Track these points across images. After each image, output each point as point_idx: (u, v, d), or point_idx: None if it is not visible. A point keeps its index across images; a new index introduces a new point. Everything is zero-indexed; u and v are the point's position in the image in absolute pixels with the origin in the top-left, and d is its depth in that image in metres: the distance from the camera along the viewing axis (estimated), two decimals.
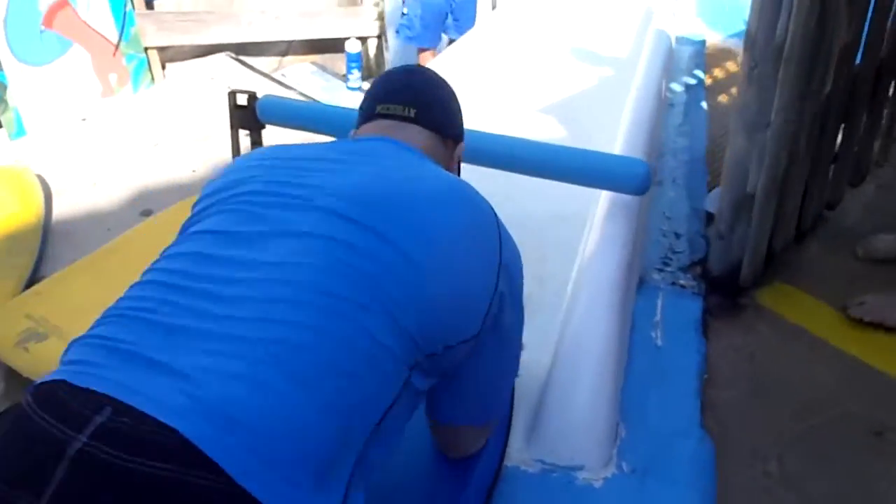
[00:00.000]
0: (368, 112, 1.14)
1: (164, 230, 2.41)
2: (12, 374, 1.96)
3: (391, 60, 3.67)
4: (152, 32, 3.31)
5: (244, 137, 2.13)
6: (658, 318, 1.91)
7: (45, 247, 2.42)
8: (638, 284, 1.98)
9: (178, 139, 2.98)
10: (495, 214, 1.04)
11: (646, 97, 2.61)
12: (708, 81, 3.47)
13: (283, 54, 3.67)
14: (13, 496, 0.70)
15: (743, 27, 3.91)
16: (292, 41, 3.73)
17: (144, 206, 2.62)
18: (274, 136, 2.14)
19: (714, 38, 3.91)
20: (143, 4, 3.29)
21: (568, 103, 2.97)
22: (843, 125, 2.12)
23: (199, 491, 0.69)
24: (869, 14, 2.00)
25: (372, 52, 3.66)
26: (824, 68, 1.82)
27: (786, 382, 1.80)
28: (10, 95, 2.88)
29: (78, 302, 2.13)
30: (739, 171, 1.87)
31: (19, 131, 2.94)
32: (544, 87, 3.08)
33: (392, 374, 0.87)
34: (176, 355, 0.77)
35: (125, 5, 3.18)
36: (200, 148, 2.92)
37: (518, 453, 1.42)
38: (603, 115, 2.70)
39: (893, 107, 2.37)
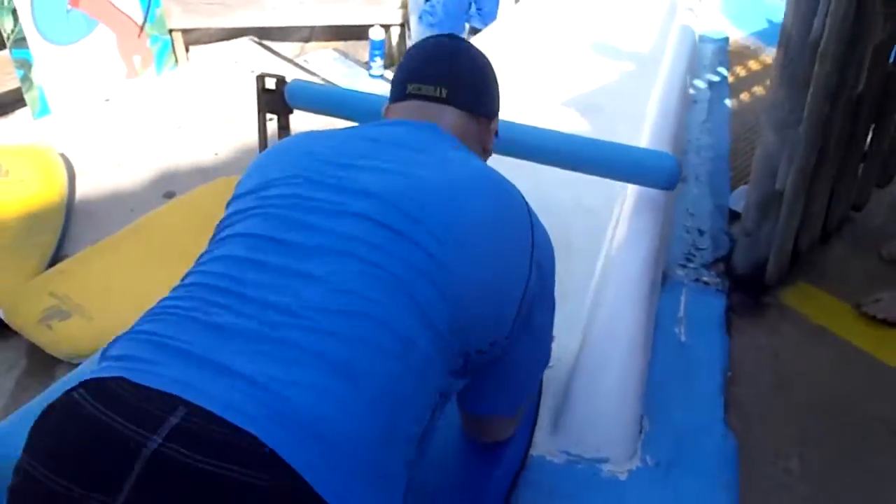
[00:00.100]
0: (400, 91, 1.10)
1: (186, 213, 2.47)
2: (34, 351, 1.98)
3: None
4: (177, 14, 3.32)
5: (271, 122, 2.14)
6: (681, 314, 1.91)
7: (69, 226, 2.44)
8: (662, 280, 1.98)
9: (201, 122, 2.99)
10: (528, 209, 1.01)
11: (671, 92, 2.60)
12: (730, 79, 3.45)
13: (306, 40, 3.67)
14: (85, 496, 0.70)
15: (766, 25, 3.94)
16: (315, 27, 3.73)
17: (167, 187, 2.63)
18: (301, 121, 2.15)
19: (736, 36, 3.88)
20: None
21: (591, 97, 2.96)
22: (873, 125, 2.10)
23: (278, 497, 0.69)
24: None
25: (395, 40, 3.65)
26: (858, 67, 1.80)
27: (808, 382, 1.80)
28: (35, 74, 2.88)
29: (101, 281, 2.15)
30: (768, 168, 1.86)
31: (43, 110, 2.95)
32: (567, 81, 3.06)
33: (434, 383, 0.87)
34: (235, 358, 0.76)
35: None
36: (224, 131, 2.93)
37: (544, 443, 1.42)
38: (626, 110, 2.69)
39: None
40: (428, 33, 3.60)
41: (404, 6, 3.66)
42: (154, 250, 2.28)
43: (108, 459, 0.71)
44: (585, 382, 1.47)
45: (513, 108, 1.84)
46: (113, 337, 1.47)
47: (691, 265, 2.11)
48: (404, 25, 3.66)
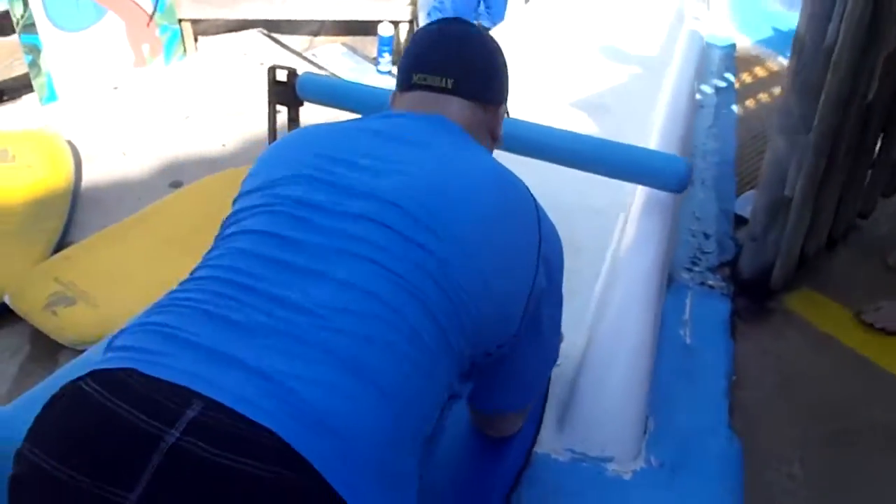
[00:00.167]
0: (406, 80, 1.08)
1: (193, 203, 2.46)
2: (38, 337, 1.97)
3: None
4: (187, 4, 3.31)
5: (280, 114, 2.14)
6: (687, 316, 1.91)
7: (75, 212, 2.44)
8: (667, 282, 1.98)
9: (209, 113, 2.99)
10: (535, 203, 1.00)
11: (680, 96, 2.60)
12: (736, 86, 3.45)
13: (315, 34, 3.67)
14: (100, 489, 0.69)
15: (771, 33, 3.95)
16: (324, 21, 3.73)
17: (174, 177, 2.63)
18: (311, 114, 2.15)
19: (743, 43, 3.89)
20: None
21: (598, 99, 2.96)
22: (882, 134, 2.11)
23: (296, 494, 0.69)
24: None
25: (403, 36, 3.65)
26: (869, 75, 1.81)
27: (812, 388, 1.81)
28: (44, 60, 2.88)
29: (106, 269, 2.15)
30: (777, 173, 1.87)
31: (51, 96, 2.95)
32: (575, 82, 3.06)
33: (442, 383, 0.87)
34: (246, 352, 0.75)
35: None
36: (232, 123, 2.92)
37: (549, 441, 1.42)
38: (633, 112, 2.69)
39: None
40: None
41: (413, 3, 3.66)
42: (160, 240, 2.28)
43: (122, 451, 0.70)
44: (592, 381, 1.47)
45: (520, 108, 1.85)
46: (118, 325, 1.47)
47: (697, 269, 2.12)
48: (413, 22, 3.65)
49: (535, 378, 1.16)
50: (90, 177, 2.61)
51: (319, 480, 0.69)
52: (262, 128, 2.81)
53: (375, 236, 0.85)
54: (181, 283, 0.88)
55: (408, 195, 0.88)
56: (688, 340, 1.83)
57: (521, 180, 1.01)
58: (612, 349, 1.51)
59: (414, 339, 0.81)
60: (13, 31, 2.87)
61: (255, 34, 3.60)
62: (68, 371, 1.41)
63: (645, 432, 1.49)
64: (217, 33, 3.54)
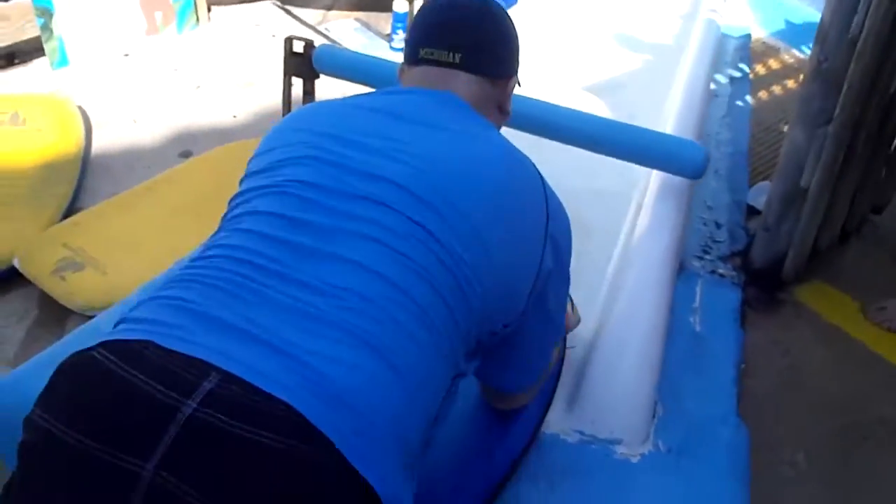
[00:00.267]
0: (412, 54, 1.06)
1: (203, 173, 2.45)
2: (46, 301, 1.97)
3: None
4: None
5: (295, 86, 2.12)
6: (697, 304, 1.91)
7: (84, 178, 2.42)
8: (678, 269, 1.98)
9: (220, 83, 2.97)
10: (542, 181, 1.00)
11: (696, 84, 2.60)
12: (750, 77, 3.43)
13: (329, 8, 3.63)
14: (116, 458, 0.69)
15: (787, 25, 3.91)
16: None
17: (184, 147, 2.61)
18: (326, 87, 2.13)
19: (758, 34, 3.86)
20: None
21: (612, 85, 2.95)
22: None
23: (312, 467, 0.69)
24: None
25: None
26: (893, 68, 1.79)
27: (820, 380, 1.81)
28: (56, 23, 2.85)
29: (116, 236, 2.14)
30: (794, 164, 1.86)
31: (62, 61, 2.92)
32: (589, 68, 3.05)
33: (451, 363, 0.88)
34: (262, 327, 0.76)
35: None
36: (243, 94, 2.90)
37: (558, 422, 1.43)
38: (647, 99, 2.68)
39: None
40: None
41: None
42: (169, 209, 2.27)
43: (139, 421, 0.70)
44: (603, 364, 1.47)
45: (533, 93, 1.84)
46: (126, 292, 1.48)
47: (708, 257, 2.11)
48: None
49: (539, 356, 1.16)
50: (100, 143, 2.60)
51: (335, 453, 0.70)
52: (274, 100, 2.81)
53: (382, 217, 0.85)
54: (192, 261, 0.88)
55: (413, 176, 0.88)
56: (697, 328, 1.83)
57: (528, 158, 1.00)
58: (624, 333, 1.51)
59: (422, 319, 0.81)
60: None
61: (268, 5, 3.57)
62: (76, 338, 1.41)
63: (654, 417, 1.50)
64: (230, 3, 3.50)
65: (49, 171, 2.37)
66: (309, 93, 2.07)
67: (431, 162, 0.90)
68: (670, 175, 1.77)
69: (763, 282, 2.01)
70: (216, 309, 0.78)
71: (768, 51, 3.71)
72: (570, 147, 1.77)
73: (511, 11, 3.24)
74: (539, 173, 1.00)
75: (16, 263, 2.01)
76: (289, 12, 3.51)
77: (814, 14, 4.07)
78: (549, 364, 1.20)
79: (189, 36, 3.26)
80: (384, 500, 0.72)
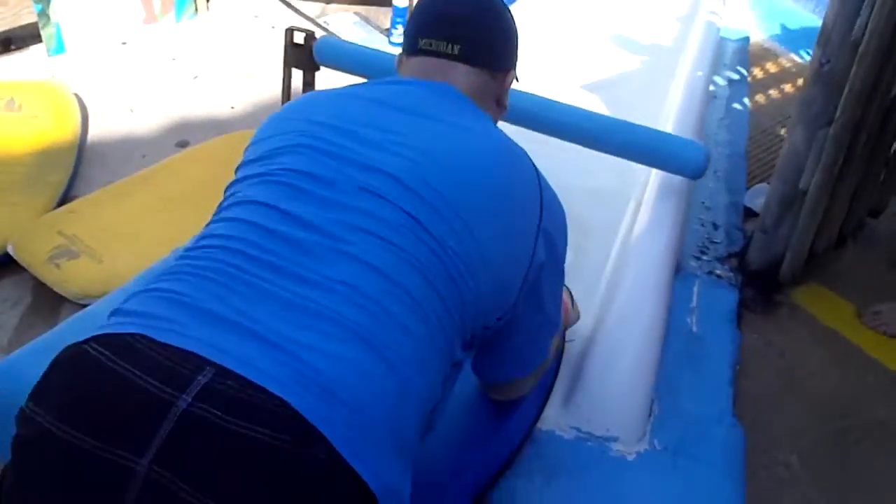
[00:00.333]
0: (411, 44, 1.06)
1: (199, 164, 2.44)
2: (40, 289, 1.96)
3: None
4: None
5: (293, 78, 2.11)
6: (694, 304, 1.91)
7: (80, 167, 2.41)
8: (675, 269, 1.98)
9: (218, 74, 2.95)
10: (537, 174, 0.99)
11: (695, 86, 2.60)
12: (748, 79, 3.44)
13: (328, 1, 3.62)
14: (110, 453, 0.68)
15: (786, 28, 3.92)
16: None
17: (180, 137, 2.60)
18: (326, 79, 2.12)
19: (756, 37, 3.87)
20: None
21: (610, 85, 2.95)
22: None
23: (306, 462, 0.69)
24: None
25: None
26: (894, 69, 1.80)
27: (815, 383, 1.81)
28: (53, 10, 2.83)
29: (111, 225, 2.12)
30: (793, 166, 1.86)
31: (58, 48, 2.90)
32: (588, 68, 3.05)
33: (446, 355, 0.88)
34: (256, 321, 0.75)
35: None
36: (241, 85, 2.89)
37: (554, 418, 1.43)
38: (646, 99, 2.68)
39: None
40: None
41: None
42: (165, 199, 2.26)
43: (133, 416, 0.69)
44: (600, 362, 1.47)
45: (530, 90, 1.83)
46: (121, 280, 1.47)
47: (705, 258, 2.11)
48: None
49: (534, 349, 1.16)
50: (96, 132, 2.58)
51: (328, 448, 0.70)
52: (272, 91, 2.80)
53: (376, 209, 0.85)
54: (186, 251, 0.87)
55: (409, 168, 0.88)
56: (694, 328, 1.83)
57: (524, 151, 1.00)
58: (622, 331, 1.51)
59: (416, 312, 0.81)
60: None
61: None
62: (71, 325, 1.40)
63: (650, 415, 1.50)
64: None
65: (44, 158, 2.35)
66: (309, 84, 2.05)
67: (427, 154, 0.90)
68: (670, 174, 1.77)
69: (760, 283, 2.01)
70: (208, 301, 0.77)
71: (766, 54, 3.72)
72: (568, 145, 1.77)
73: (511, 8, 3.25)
74: (534, 166, 1.00)
75: (10, 250, 2.00)
76: (288, 4, 3.50)
77: (811, 18, 4.10)
78: (545, 357, 1.19)
79: (187, 25, 3.25)
80: (377, 493, 0.72)
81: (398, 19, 3.33)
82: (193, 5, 3.26)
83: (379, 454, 0.74)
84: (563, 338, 1.46)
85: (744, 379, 1.76)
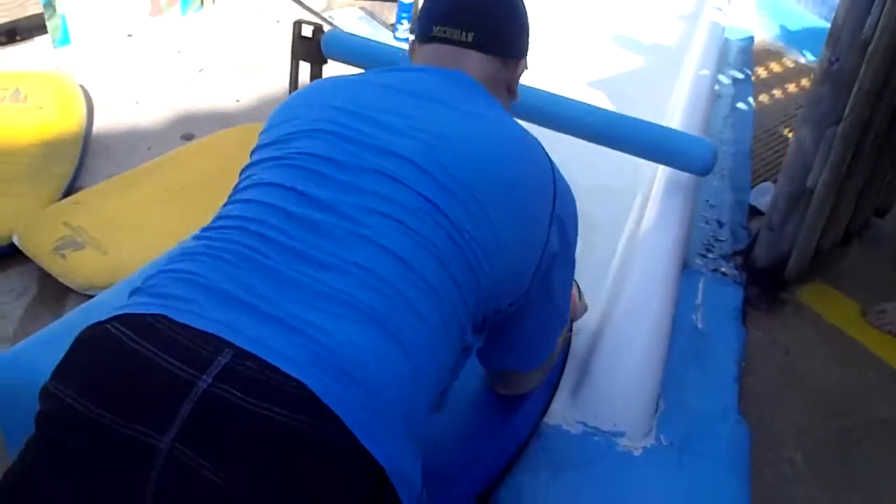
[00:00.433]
0: (425, 31, 1.06)
1: (205, 157, 2.44)
2: (46, 279, 1.95)
3: None
4: None
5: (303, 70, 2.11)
6: (699, 301, 1.92)
7: (85, 158, 2.40)
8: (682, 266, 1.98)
9: (223, 67, 2.95)
10: (550, 163, 1.00)
11: (701, 85, 2.60)
12: (752, 79, 3.44)
13: None
14: (132, 430, 0.69)
15: (790, 28, 3.91)
16: None
17: (186, 129, 2.59)
18: (334, 73, 2.12)
19: (761, 37, 3.87)
20: None
21: (616, 83, 2.95)
22: None
23: (323, 443, 0.70)
24: None
25: (421, 3, 3.61)
26: None
27: (820, 381, 1.82)
28: (59, 1, 2.82)
29: (116, 217, 2.12)
30: (801, 164, 1.86)
31: (64, 39, 2.89)
32: (593, 67, 3.06)
33: (457, 339, 0.88)
34: (276, 305, 0.76)
35: None
36: (246, 78, 2.89)
37: (561, 412, 1.43)
38: (651, 97, 2.68)
39: None
40: None
41: None
42: (171, 191, 2.25)
43: (155, 395, 0.70)
44: (608, 357, 1.47)
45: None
46: (126, 272, 1.47)
47: (710, 255, 2.12)
48: None
49: (543, 339, 1.17)
50: (101, 123, 2.58)
51: (344, 429, 0.71)
52: (277, 85, 2.80)
53: (393, 193, 0.85)
54: (203, 231, 0.88)
55: (425, 153, 0.88)
56: (699, 325, 1.83)
57: (536, 139, 1.01)
58: (630, 327, 1.51)
59: (432, 298, 0.82)
60: None
61: None
62: (76, 317, 1.40)
63: (656, 411, 1.50)
64: None
65: (50, 149, 2.34)
66: (316, 77, 2.05)
67: (443, 140, 0.90)
68: (677, 171, 1.77)
69: (765, 281, 2.01)
70: (224, 283, 0.78)
71: (770, 54, 3.72)
72: (574, 142, 1.77)
73: None
74: (547, 155, 1.01)
75: (15, 240, 2.00)
76: None
77: (815, 19, 4.10)
78: (552, 349, 1.20)
79: (193, 18, 3.24)
80: (391, 475, 0.73)
81: (403, 14, 3.33)
82: None
83: (392, 437, 0.74)
84: (570, 329, 1.46)
85: (748, 376, 1.76)
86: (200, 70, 2.91)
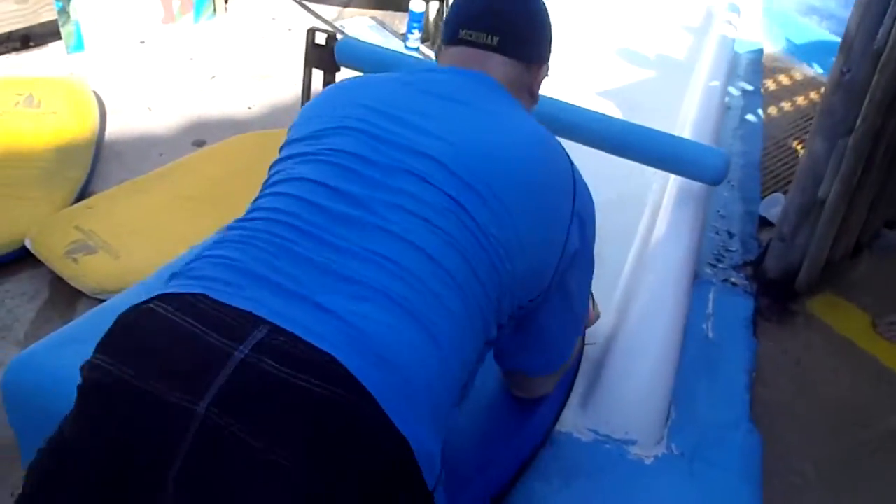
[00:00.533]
0: (452, 34, 1.09)
1: (216, 163, 2.45)
2: (57, 283, 1.96)
3: None
4: None
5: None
6: (710, 311, 1.91)
7: (97, 163, 2.42)
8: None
9: (235, 74, 2.97)
10: (571, 164, 1.02)
11: (711, 96, 2.60)
12: (761, 91, 3.44)
13: (345, 5, 3.64)
14: (172, 396, 0.72)
15: (798, 41, 3.91)
16: None
17: (198, 136, 2.61)
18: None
19: (769, 50, 3.88)
20: None
21: (625, 94, 2.96)
22: None
23: (354, 413, 0.73)
24: None
25: (432, 15, 3.63)
26: None
27: (830, 392, 1.81)
28: (73, 8, 2.85)
29: (128, 222, 2.14)
30: (812, 174, 1.86)
31: (77, 45, 2.92)
32: (601, 78, 3.06)
33: (481, 331, 0.90)
34: (311, 290, 0.79)
35: None
36: (258, 85, 2.91)
37: (572, 420, 1.42)
38: (662, 109, 2.68)
39: None
40: None
41: None
42: (182, 197, 2.27)
43: (195, 364, 0.73)
44: (620, 365, 1.47)
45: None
46: (138, 277, 1.48)
47: (721, 265, 2.12)
48: (443, 1, 3.63)
49: (561, 341, 1.18)
50: (113, 129, 2.60)
51: (375, 405, 0.73)
52: (289, 92, 2.82)
53: (420, 191, 0.88)
54: (237, 222, 0.91)
55: (452, 153, 0.91)
56: (710, 335, 1.83)
57: (556, 139, 1.03)
58: (642, 335, 1.50)
59: (457, 292, 0.84)
60: None
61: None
62: (88, 320, 1.40)
63: (667, 420, 1.49)
64: None
65: (63, 154, 2.36)
66: (329, 85, 2.06)
67: (468, 140, 0.93)
68: (688, 181, 1.77)
69: (776, 292, 2.01)
70: (260, 267, 0.81)
71: (779, 67, 3.72)
72: (585, 151, 1.77)
73: None
74: (567, 155, 1.03)
75: (27, 244, 2.01)
76: (305, 7, 3.52)
77: (823, 33, 4.10)
78: (569, 354, 1.21)
79: (205, 26, 3.27)
80: (417, 455, 0.75)
81: (414, 24, 3.35)
82: (212, 6, 3.28)
83: (418, 419, 0.76)
84: (583, 339, 1.46)
85: (759, 386, 1.76)
86: (213, 77, 2.93)
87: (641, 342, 1.49)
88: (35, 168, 2.29)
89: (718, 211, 2.38)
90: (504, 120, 0.99)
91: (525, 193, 0.92)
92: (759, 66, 3.66)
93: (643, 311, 1.54)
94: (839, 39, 1.78)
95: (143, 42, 3.08)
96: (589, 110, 1.75)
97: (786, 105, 3.38)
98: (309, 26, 2.09)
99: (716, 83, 2.74)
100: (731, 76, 3.32)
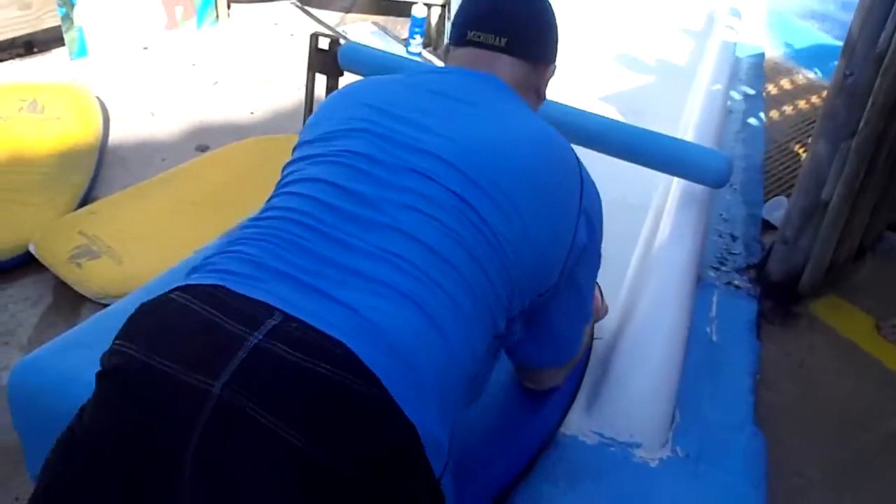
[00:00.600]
0: (460, 35, 1.11)
1: (218, 168, 2.45)
2: (61, 288, 1.97)
3: None
4: None
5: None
6: (713, 314, 1.91)
7: (101, 169, 2.43)
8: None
9: (238, 80, 2.98)
10: (578, 163, 1.04)
11: (714, 100, 2.60)
12: (763, 95, 3.45)
13: (347, 10, 3.65)
14: (189, 377, 0.75)
15: (800, 45, 3.92)
16: None
17: (200, 141, 2.62)
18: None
19: (771, 54, 3.88)
20: None
21: (626, 98, 2.97)
22: None
23: (364, 398, 0.75)
24: None
25: (434, 20, 3.64)
26: None
27: (834, 394, 1.81)
28: (77, 14, 2.86)
29: (131, 227, 2.14)
30: (815, 177, 1.87)
31: (81, 51, 2.93)
32: (604, 82, 3.07)
33: (490, 330, 0.92)
34: (325, 284, 0.82)
35: None
36: (261, 91, 2.91)
37: (577, 423, 1.42)
38: (663, 112, 2.69)
39: None
40: None
41: None
42: (185, 202, 2.27)
43: (213, 349, 0.76)
44: (624, 368, 1.47)
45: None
46: (141, 281, 1.49)
47: (724, 268, 2.12)
48: (445, 7, 3.64)
49: (570, 334, 1.20)
50: (117, 135, 2.60)
51: (384, 391, 0.75)
52: (291, 97, 2.82)
53: (427, 190, 0.90)
54: (252, 220, 0.94)
55: (457, 152, 0.93)
56: (714, 337, 1.83)
57: (564, 139, 1.05)
58: (645, 338, 1.51)
59: (465, 287, 0.86)
60: None
61: (287, 5, 3.59)
62: (91, 325, 1.40)
63: (672, 422, 1.49)
64: (250, 1, 3.53)
65: (66, 159, 2.37)
66: (332, 89, 2.07)
67: (474, 139, 0.95)
68: (691, 184, 1.77)
69: (779, 295, 2.01)
70: (274, 262, 0.84)
71: (780, 71, 3.73)
72: (589, 154, 1.77)
73: None
74: (575, 154, 1.05)
75: (31, 249, 2.01)
76: (308, 12, 3.54)
77: (824, 37, 4.11)
78: (578, 347, 1.24)
79: (208, 32, 3.28)
80: (424, 441, 0.77)
81: (416, 29, 3.36)
82: (215, 12, 3.29)
83: (427, 410, 0.79)
84: (592, 333, 1.47)
85: (763, 389, 1.75)
86: (215, 83, 2.94)
87: (645, 345, 1.50)
88: (39, 173, 2.29)
89: (721, 214, 2.39)
90: (510, 119, 1.01)
91: (532, 190, 0.94)
92: (760, 70, 3.68)
93: (647, 314, 1.54)
94: (839, 43, 1.79)
95: (146, 48, 3.09)
96: (593, 114, 1.76)
97: (787, 108, 3.38)
98: (311, 32, 2.10)
99: (718, 87, 2.75)
100: (732, 80, 3.33)
